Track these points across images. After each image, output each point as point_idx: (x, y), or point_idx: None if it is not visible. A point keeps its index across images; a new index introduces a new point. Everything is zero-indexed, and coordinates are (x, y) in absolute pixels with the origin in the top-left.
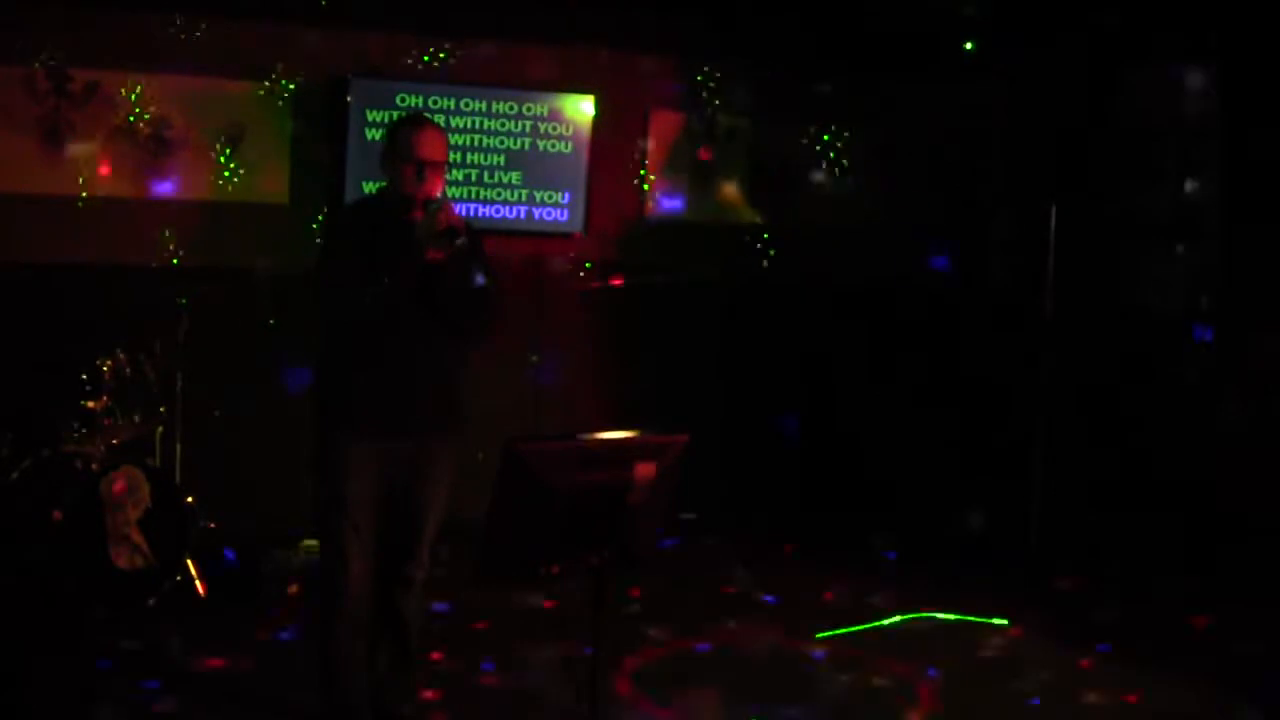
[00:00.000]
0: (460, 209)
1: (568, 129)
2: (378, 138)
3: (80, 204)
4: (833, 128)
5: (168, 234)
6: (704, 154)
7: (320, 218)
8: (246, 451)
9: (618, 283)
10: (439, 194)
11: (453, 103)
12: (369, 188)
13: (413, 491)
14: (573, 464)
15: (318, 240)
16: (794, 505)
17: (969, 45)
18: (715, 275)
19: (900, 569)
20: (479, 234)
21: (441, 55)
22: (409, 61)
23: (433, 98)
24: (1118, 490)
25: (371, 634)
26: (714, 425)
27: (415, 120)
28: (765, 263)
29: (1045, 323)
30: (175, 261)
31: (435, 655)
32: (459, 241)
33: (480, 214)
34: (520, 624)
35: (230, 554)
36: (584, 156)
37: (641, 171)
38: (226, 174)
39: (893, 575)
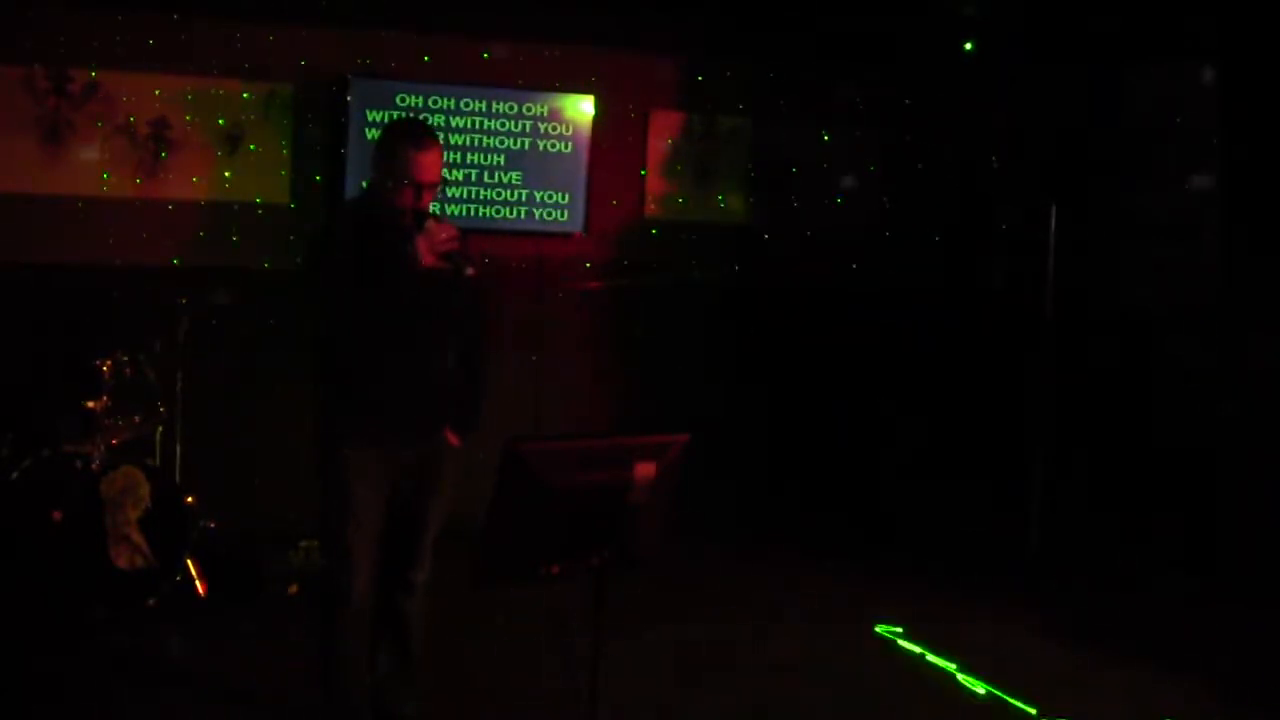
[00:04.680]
0: (460, 210)
1: (568, 129)
2: (378, 138)
3: (80, 204)
4: (833, 128)
5: (168, 234)
6: (704, 154)
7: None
8: (246, 451)
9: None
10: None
11: (453, 103)
12: None
13: (418, 495)
14: (573, 464)
15: (306, 249)
16: (793, 506)
17: (969, 45)
18: (706, 276)
19: (900, 569)
20: (468, 241)
21: (441, 55)
22: (409, 61)
23: (433, 98)
24: (1118, 490)
25: (373, 635)
26: (714, 425)
27: (416, 136)
28: (764, 263)
29: (1045, 323)
30: (175, 261)
31: None
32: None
33: (480, 214)
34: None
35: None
36: (584, 156)
37: (641, 172)
38: (226, 174)
39: (893, 576)
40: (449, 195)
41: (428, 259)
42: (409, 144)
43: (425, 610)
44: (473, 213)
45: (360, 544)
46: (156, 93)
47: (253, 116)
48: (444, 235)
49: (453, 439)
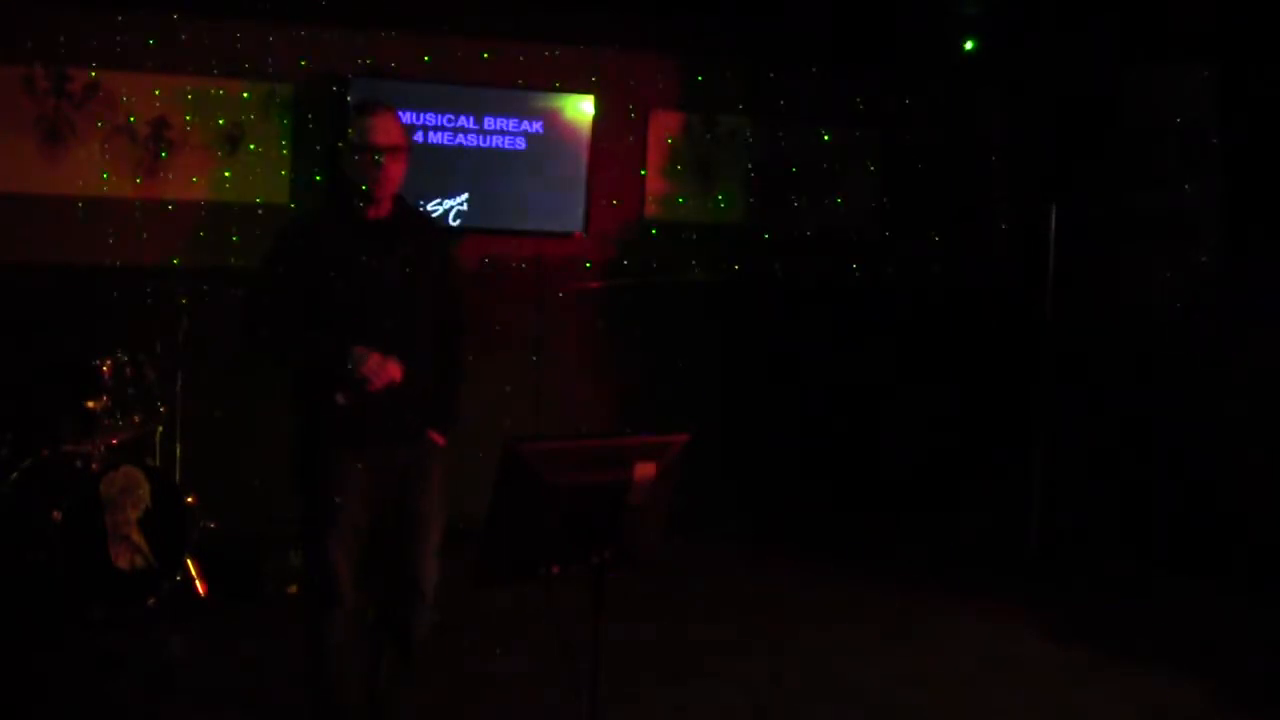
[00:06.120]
0: (459, 210)
1: (568, 129)
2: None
3: (80, 204)
4: (833, 128)
5: (167, 234)
6: (704, 154)
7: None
8: (246, 451)
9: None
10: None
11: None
12: None
13: (409, 499)
14: (573, 464)
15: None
16: (793, 505)
17: (969, 45)
18: (704, 275)
19: (900, 568)
20: (446, 232)
21: (441, 55)
22: (409, 61)
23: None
24: (1118, 490)
25: (375, 642)
26: (714, 425)
27: (365, 106)
28: (764, 263)
29: (1045, 322)
30: (175, 261)
31: None
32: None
33: (479, 214)
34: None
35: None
36: (584, 156)
37: (641, 172)
38: (226, 174)
39: (892, 575)
40: (449, 198)
41: (369, 366)
42: (358, 114)
43: (430, 619)
44: (472, 213)
45: (340, 548)
46: (156, 93)
47: (253, 116)
48: (386, 376)
49: (437, 438)
